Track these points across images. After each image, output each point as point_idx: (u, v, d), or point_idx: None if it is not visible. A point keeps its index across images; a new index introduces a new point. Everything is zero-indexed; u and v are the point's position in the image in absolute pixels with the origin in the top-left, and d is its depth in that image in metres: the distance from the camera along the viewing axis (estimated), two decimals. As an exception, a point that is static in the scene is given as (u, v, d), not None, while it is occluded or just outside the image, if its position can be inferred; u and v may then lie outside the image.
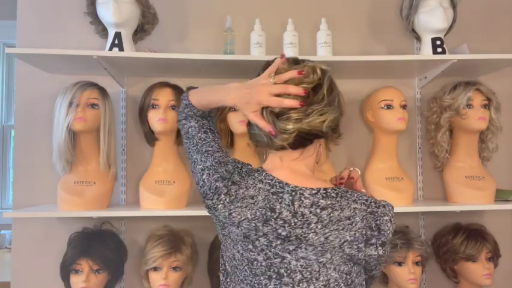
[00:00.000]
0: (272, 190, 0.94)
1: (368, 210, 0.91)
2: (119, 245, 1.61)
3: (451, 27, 1.69)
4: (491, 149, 1.70)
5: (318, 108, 0.93)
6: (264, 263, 0.93)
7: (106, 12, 1.55)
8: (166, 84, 1.60)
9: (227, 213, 0.95)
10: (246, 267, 0.95)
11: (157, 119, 1.54)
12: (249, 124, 1.03)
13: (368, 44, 1.86)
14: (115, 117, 1.63)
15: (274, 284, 0.92)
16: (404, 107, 1.63)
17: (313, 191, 0.92)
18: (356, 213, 0.91)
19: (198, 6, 1.82)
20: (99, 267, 1.50)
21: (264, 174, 0.97)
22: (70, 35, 1.75)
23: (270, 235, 0.92)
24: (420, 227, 1.82)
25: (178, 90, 1.60)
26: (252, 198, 0.94)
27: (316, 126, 0.93)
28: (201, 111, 1.09)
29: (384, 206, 0.93)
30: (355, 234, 0.90)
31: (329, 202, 0.91)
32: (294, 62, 1.00)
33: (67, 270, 1.51)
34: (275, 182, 0.95)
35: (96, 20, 1.64)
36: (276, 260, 0.92)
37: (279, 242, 0.92)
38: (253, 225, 0.93)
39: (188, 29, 1.81)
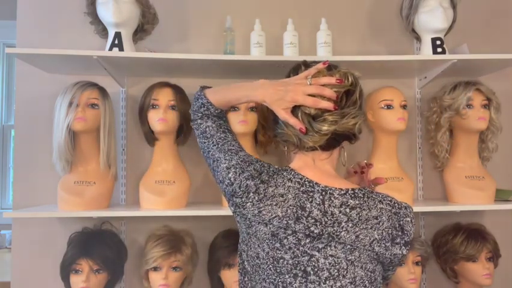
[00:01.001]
0: (302, 189, 0.97)
1: (393, 210, 0.96)
2: (119, 245, 1.61)
3: (451, 27, 1.69)
4: (491, 149, 1.70)
5: (352, 112, 0.98)
6: (290, 261, 0.95)
7: (106, 12, 1.55)
8: (166, 84, 1.60)
9: (256, 211, 0.97)
10: (270, 266, 0.96)
11: (157, 119, 1.54)
12: (276, 123, 1.05)
13: (368, 44, 1.86)
14: (115, 117, 1.63)
15: (300, 282, 0.94)
16: (404, 107, 1.63)
17: (342, 191, 0.96)
18: (382, 213, 0.95)
19: (198, 6, 1.82)
20: (99, 267, 1.50)
21: (292, 173, 1.00)
22: (70, 35, 1.75)
23: (300, 233, 0.94)
24: (420, 227, 1.82)
25: (178, 90, 1.60)
26: (282, 196, 0.96)
27: (349, 129, 0.99)
28: (218, 110, 1.11)
29: (405, 208, 0.98)
30: (382, 233, 0.94)
31: (357, 202, 0.95)
32: (327, 68, 1.03)
33: (66, 270, 1.50)
34: (305, 180, 0.98)
35: (96, 20, 1.64)
36: (303, 258, 0.94)
37: (308, 241, 0.94)
38: (285, 222, 0.95)
39: (189, 29, 1.81)
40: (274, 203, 0.96)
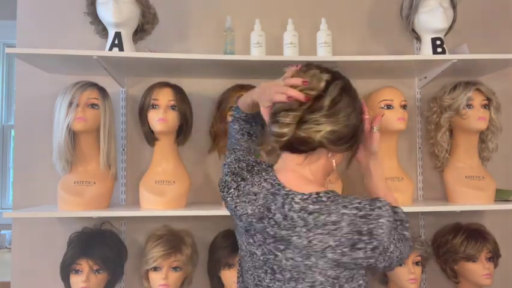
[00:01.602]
0: (271, 190, 0.98)
1: (359, 214, 0.90)
2: (119, 245, 1.61)
3: (451, 27, 1.69)
4: (491, 149, 1.70)
5: (314, 118, 0.94)
6: (261, 258, 0.98)
7: (106, 12, 1.55)
8: (166, 84, 1.60)
9: (233, 206, 1.03)
10: (248, 259, 1.02)
11: (157, 119, 1.54)
12: None
13: (368, 44, 1.86)
14: (115, 117, 1.63)
15: (270, 279, 0.97)
16: (404, 107, 1.63)
17: (305, 196, 0.94)
18: (343, 218, 0.89)
19: (198, 6, 1.82)
20: (99, 267, 1.50)
21: (270, 174, 1.02)
22: (70, 35, 1.75)
23: (263, 232, 0.97)
24: (420, 227, 1.82)
25: (178, 90, 1.60)
26: (255, 195, 1.00)
27: (311, 135, 0.94)
28: (245, 113, 1.17)
29: (379, 208, 0.91)
30: (340, 239, 0.89)
31: (317, 207, 0.91)
32: (306, 69, 1.02)
33: (66, 270, 1.50)
34: (275, 182, 0.99)
35: (96, 20, 1.64)
36: (270, 256, 0.97)
37: (271, 240, 0.96)
38: (249, 220, 0.98)
39: (189, 29, 1.81)
40: (247, 201, 1.00)
